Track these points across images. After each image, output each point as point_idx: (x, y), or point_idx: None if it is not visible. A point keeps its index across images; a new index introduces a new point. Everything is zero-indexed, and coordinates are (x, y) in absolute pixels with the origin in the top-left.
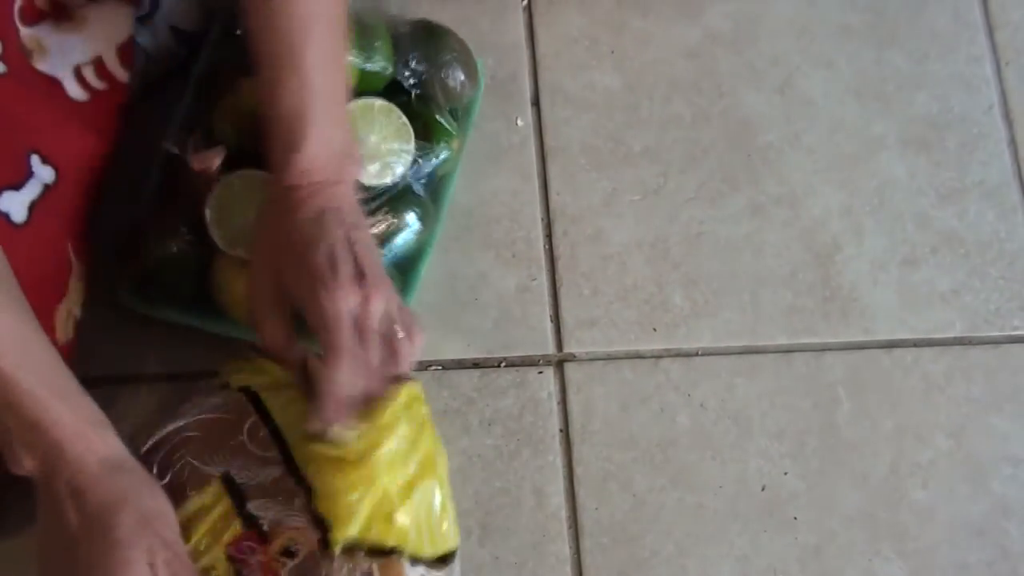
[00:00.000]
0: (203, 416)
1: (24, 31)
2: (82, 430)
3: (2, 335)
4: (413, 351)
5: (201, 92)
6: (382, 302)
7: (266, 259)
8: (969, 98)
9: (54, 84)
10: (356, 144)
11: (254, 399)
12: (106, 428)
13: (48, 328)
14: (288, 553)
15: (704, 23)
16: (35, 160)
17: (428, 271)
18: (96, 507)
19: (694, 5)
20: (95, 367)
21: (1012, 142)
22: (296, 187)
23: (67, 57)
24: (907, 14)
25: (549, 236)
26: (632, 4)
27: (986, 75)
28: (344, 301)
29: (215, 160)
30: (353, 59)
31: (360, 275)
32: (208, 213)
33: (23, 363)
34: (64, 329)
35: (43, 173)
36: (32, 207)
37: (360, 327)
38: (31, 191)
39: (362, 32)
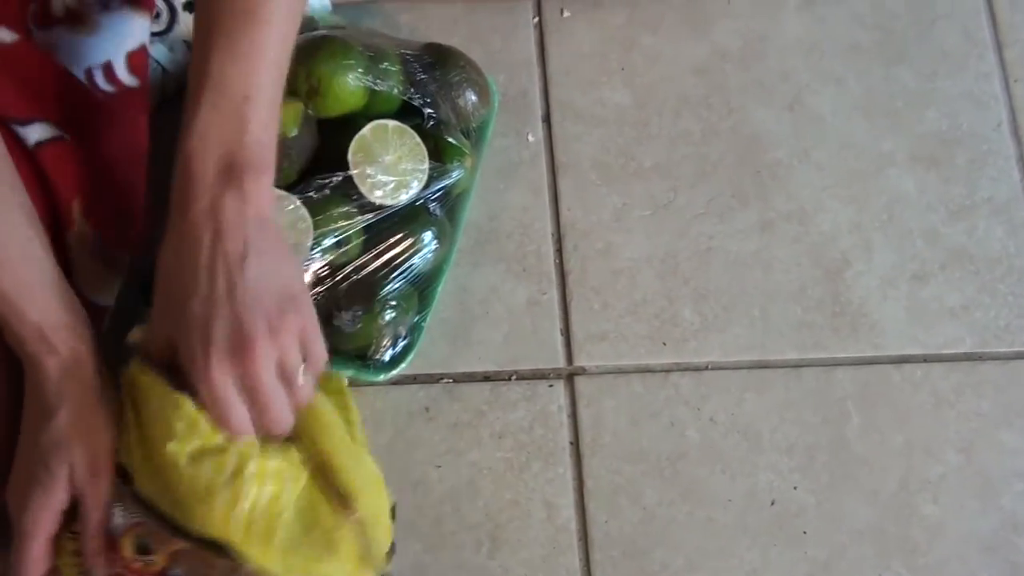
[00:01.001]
0: None
1: (38, 33)
2: (43, 332)
3: None
4: (310, 385)
5: None
6: (269, 354)
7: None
8: (978, 115)
9: (70, 77)
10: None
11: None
12: (70, 330)
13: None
14: (143, 550)
15: (713, 40)
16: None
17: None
18: (39, 409)
19: (703, 22)
20: None
21: (1021, 159)
22: (184, 194)
23: (78, 59)
24: (916, 32)
25: (560, 250)
26: (641, 21)
27: (995, 92)
28: (222, 382)
29: None
30: (366, 82)
31: (238, 331)
32: None
33: None
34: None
35: (51, 129)
36: (37, 145)
37: (250, 393)
38: (39, 132)
39: (374, 55)
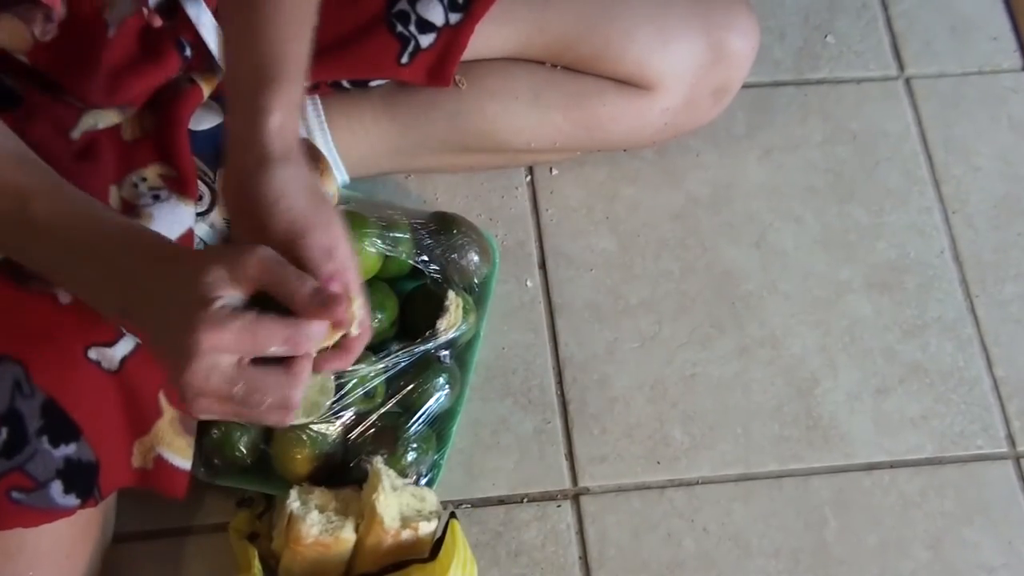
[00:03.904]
0: None
1: None
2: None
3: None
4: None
5: None
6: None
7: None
8: (923, 244)
9: None
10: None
11: None
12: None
13: (124, 454)
14: None
15: (686, 189)
16: (123, 329)
17: None
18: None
19: (676, 174)
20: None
21: (963, 281)
22: (269, 150)
23: None
24: (863, 173)
25: (560, 383)
26: (621, 175)
27: (936, 223)
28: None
29: None
30: (380, 248)
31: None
32: None
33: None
34: (142, 459)
35: (130, 339)
36: (123, 360)
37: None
38: (124, 348)
39: (386, 225)
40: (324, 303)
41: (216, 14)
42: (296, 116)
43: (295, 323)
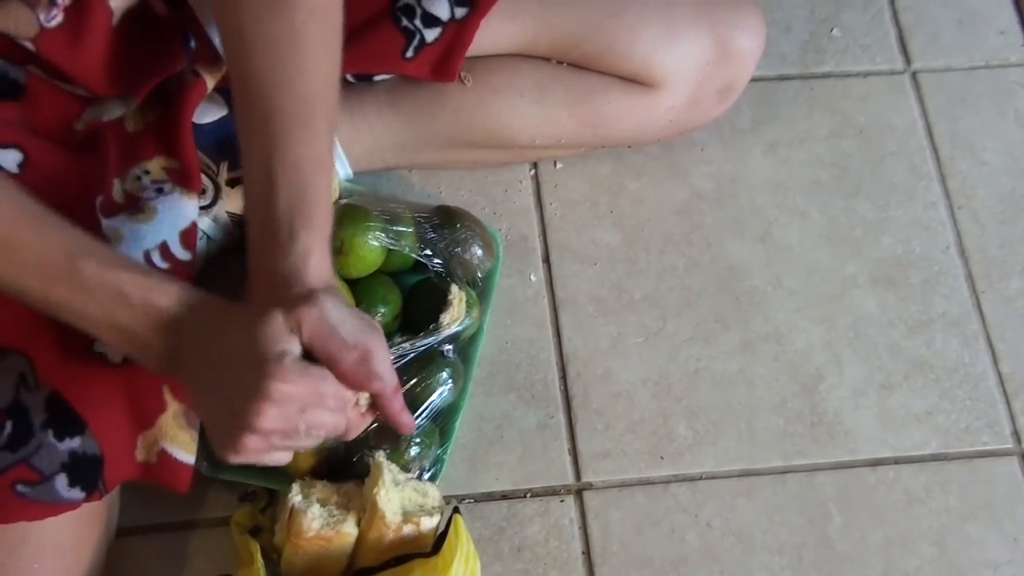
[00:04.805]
0: None
1: (104, 222)
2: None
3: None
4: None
5: None
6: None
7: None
8: (928, 239)
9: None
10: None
11: None
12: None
13: (128, 448)
14: None
15: (690, 183)
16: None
17: None
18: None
19: (680, 168)
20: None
21: (969, 276)
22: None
23: (138, 243)
24: (869, 168)
25: (564, 378)
26: (626, 169)
27: (942, 218)
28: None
29: None
30: (384, 242)
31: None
32: None
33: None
34: (146, 453)
35: None
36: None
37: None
38: None
39: (390, 219)
40: (368, 373)
41: (237, 119)
42: (329, 250)
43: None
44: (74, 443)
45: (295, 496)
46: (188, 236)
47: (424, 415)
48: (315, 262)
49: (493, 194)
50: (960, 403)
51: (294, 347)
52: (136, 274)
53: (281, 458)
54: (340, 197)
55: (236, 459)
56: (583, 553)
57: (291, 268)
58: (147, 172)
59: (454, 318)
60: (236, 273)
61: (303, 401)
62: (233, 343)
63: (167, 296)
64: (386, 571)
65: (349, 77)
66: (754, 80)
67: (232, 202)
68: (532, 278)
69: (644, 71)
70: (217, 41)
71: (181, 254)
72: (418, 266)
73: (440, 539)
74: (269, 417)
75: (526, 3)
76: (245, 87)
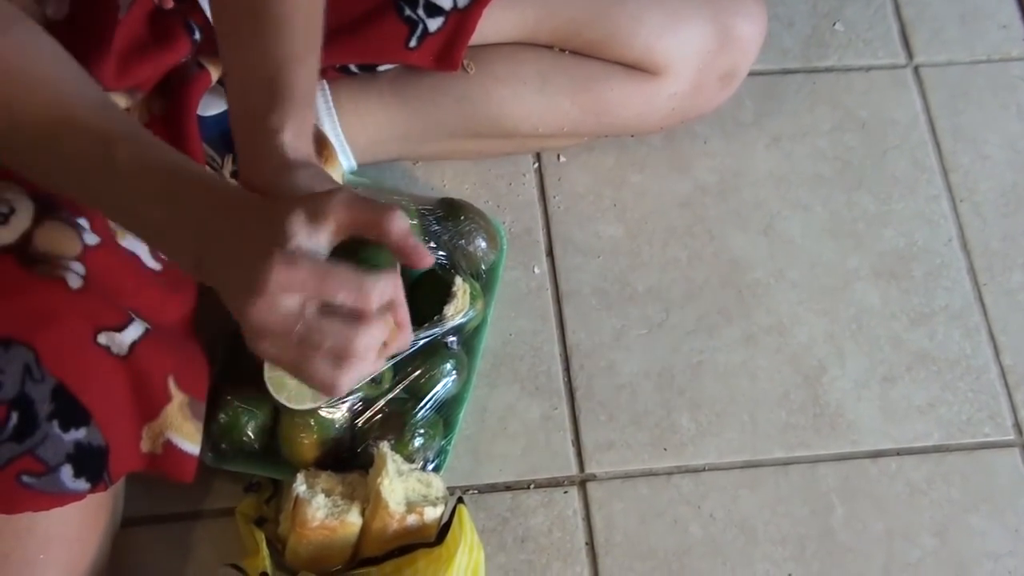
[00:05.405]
0: None
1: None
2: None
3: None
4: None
5: None
6: None
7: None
8: (931, 232)
9: (134, 257)
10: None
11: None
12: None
13: (133, 439)
14: None
15: (693, 176)
16: (132, 315)
17: None
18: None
19: (683, 161)
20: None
21: (971, 269)
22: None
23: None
24: (871, 161)
25: (567, 370)
26: (629, 162)
27: (944, 212)
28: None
29: None
30: None
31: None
32: (268, 379)
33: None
34: (151, 444)
35: (139, 324)
36: (133, 345)
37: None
38: (133, 332)
39: None
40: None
41: (216, 29)
42: (308, 138)
43: (364, 274)
44: (79, 434)
45: (300, 486)
46: None
47: (428, 406)
48: (289, 137)
49: (497, 187)
50: (962, 395)
51: (310, 241)
52: (166, 164)
53: (326, 370)
54: None
55: (267, 345)
56: (586, 544)
57: (262, 147)
58: None
59: (458, 310)
60: None
61: (303, 290)
62: (252, 231)
63: (192, 186)
64: (390, 561)
65: (353, 67)
66: (757, 74)
67: None
68: (536, 270)
69: (647, 58)
70: None
71: None
72: None
73: (444, 529)
74: (262, 310)
75: None
76: None
